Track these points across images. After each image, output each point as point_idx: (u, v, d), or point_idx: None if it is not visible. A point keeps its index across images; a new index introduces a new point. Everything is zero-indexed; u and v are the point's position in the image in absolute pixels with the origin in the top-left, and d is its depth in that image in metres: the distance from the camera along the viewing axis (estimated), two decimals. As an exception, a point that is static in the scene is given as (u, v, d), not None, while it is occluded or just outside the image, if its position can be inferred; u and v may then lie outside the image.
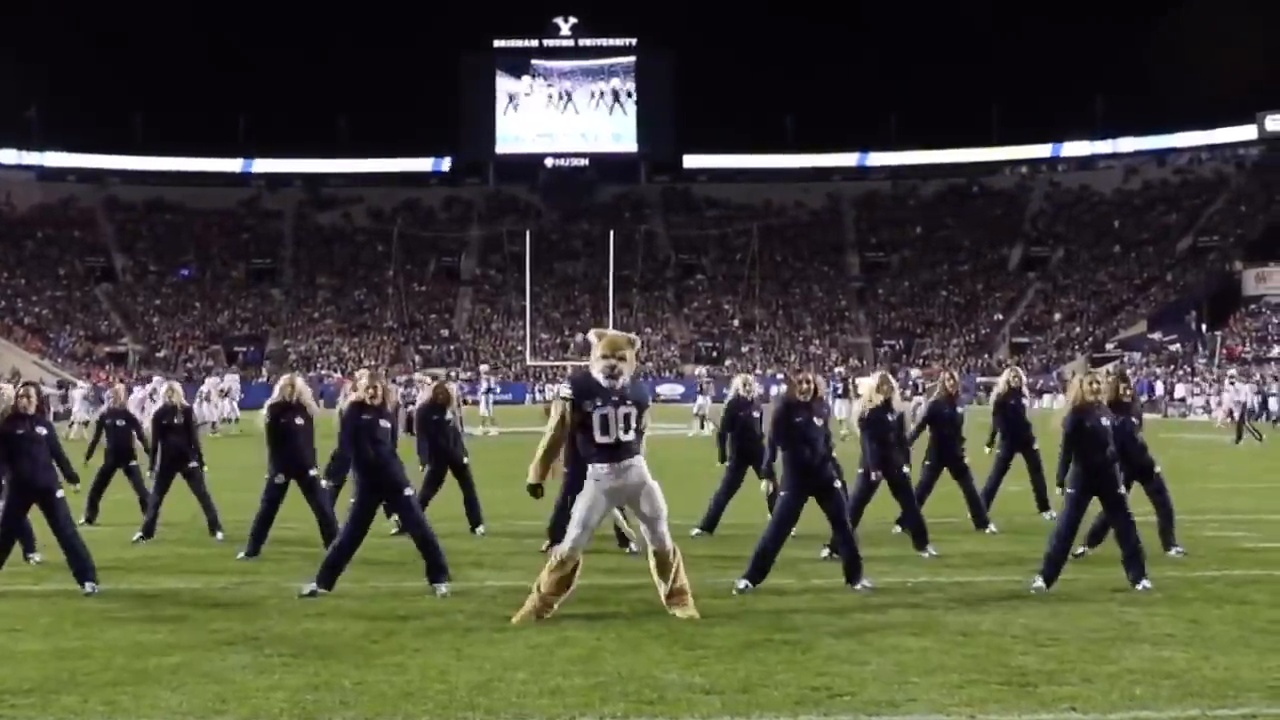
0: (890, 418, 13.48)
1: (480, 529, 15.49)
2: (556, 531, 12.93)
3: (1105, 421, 11.25)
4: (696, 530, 14.91)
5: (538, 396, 72.99)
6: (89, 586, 11.19)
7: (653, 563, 10.13)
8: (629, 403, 9.91)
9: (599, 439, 9.89)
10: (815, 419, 11.47)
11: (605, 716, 7.20)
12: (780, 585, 11.34)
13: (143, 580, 11.78)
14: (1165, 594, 10.81)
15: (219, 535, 14.96)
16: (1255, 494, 20.41)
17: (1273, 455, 30.53)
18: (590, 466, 10.03)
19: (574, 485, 12.81)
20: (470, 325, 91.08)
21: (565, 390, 10.02)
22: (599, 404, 9.85)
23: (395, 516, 12.73)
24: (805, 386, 11.66)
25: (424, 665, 8.38)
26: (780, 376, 60.64)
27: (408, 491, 11.36)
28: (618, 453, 9.90)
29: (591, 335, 10.22)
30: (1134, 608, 10.22)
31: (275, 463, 13.71)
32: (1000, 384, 17.09)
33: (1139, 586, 10.99)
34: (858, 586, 11.15)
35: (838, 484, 11.43)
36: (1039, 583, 11.09)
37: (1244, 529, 15.51)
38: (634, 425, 9.94)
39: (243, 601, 10.89)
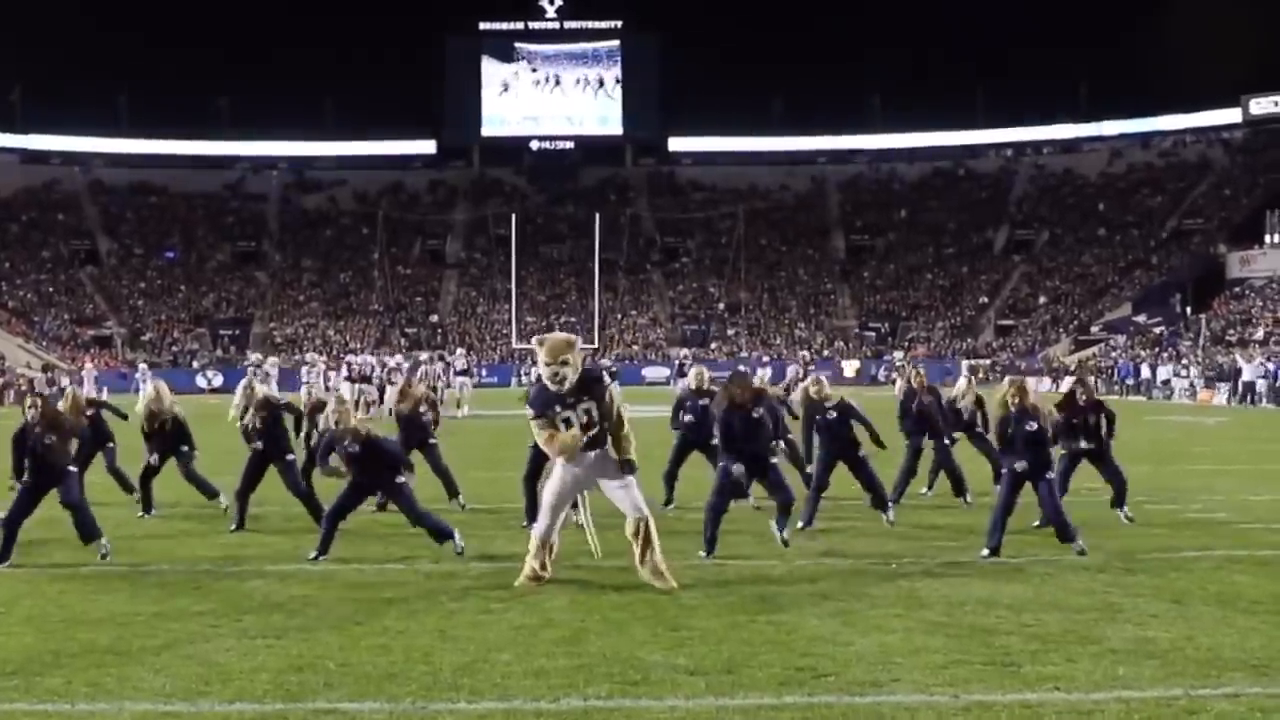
0: (831, 412, 14.25)
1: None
2: (531, 511, 13.14)
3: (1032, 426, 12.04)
4: (671, 507, 15.12)
5: (523, 380, 73.03)
6: (104, 545, 11.82)
7: (629, 529, 10.50)
8: (584, 399, 10.34)
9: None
10: (754, 413, 12.09)
11: (589, 697, 7.20)
12: (764, 566, 11.36)
13: (126, 562, 11.76)
14: (1148, 574, 10.85)
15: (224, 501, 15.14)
16: (1238, 475, 20.46)
17: (1255, 437, 30.61)
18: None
19: (534, 464, 13.52)
20: (455, 308, 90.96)
21: (529, 413, 10.50)
22: (558, 409, 10.34)
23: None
24: (745, 395, 12.21)
25: (408, 646, 8.38)
26: (764, 359, 60.69)
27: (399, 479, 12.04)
28: (586, 446, 10.41)
29: (534, 342, 10.71)
30: (1117, 588, 10.26)
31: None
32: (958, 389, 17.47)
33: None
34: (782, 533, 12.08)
35: (775, 459, 12.32)
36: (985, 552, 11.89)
37: (1226, 510, 15.55)
38: (596, 417, 10.37)
39: (227, 583, 10.88)
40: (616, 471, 10.45)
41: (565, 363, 10.28)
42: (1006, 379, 12.73)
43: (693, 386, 15.81)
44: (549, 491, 10.64)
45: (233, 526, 14.01)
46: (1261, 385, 51.00)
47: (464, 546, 11.85)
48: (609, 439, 10.47)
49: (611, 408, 10.48)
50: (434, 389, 17.07)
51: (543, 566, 10.53)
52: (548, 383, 10.36)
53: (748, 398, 12.20)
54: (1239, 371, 53.54)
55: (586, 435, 10.33)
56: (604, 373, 11.12)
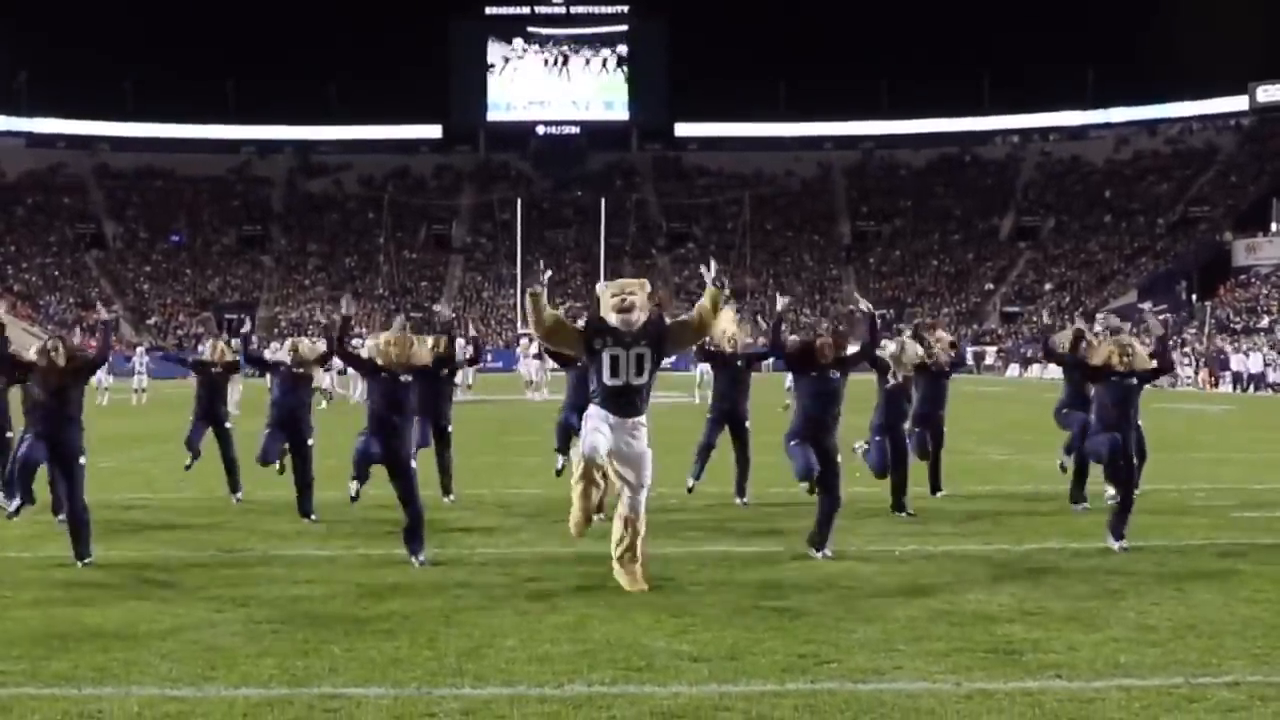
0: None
1: (450, 497, 15.18)
2: (562, 445, 13.00)
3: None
4: (691, 484, 14.59)
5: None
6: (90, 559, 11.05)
7: (617, 525, 9.79)
8: (642, 343, 9.44)
9: (608, 380, 9.45)
10: (831, 374, 11.22)
11: (593, 683, 7.23)
12: (768, 553, 11.38)
13: (133, 548, 11.79)
14: (1150, 562, 10.87)
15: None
16: (1242, 464, 20.47)
17: (1261, 425, 30.61)
18: (592, 406, 9.58)
19: (573, 404, 12.97)
20: (461, 293, 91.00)
21: (580, 321, 9.59)
22: (609, 342, 9.40)
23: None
24: (828, 352, 11.31)
25: (413, 632, 8.40)
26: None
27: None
28: (624, 402, 9.48)
29: (599, 288, 9.70)
30: (1119, 577, 10.27)
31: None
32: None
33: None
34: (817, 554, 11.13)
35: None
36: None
37: (1230, 498, 15.57)
38: (647, 367, 9.47)
39: (232, 569, 10.91)
40: (639, 462, 9.60)
41: (634, 293, 9.42)
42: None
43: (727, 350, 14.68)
44: (588, 426, 9.51)
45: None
46: (1246, 374, 52.08)
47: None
48: (647, 405, 9.62)
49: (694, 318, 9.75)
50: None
51: (587, 499, 9.62)
52: (612, 316, 9.41)
53: (829, 356, 11.23)
54: (1226, 361, 54.33)
55: (627, 380, 9.43)
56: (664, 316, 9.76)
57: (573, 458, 9.90)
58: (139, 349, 45.68)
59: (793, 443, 11.11)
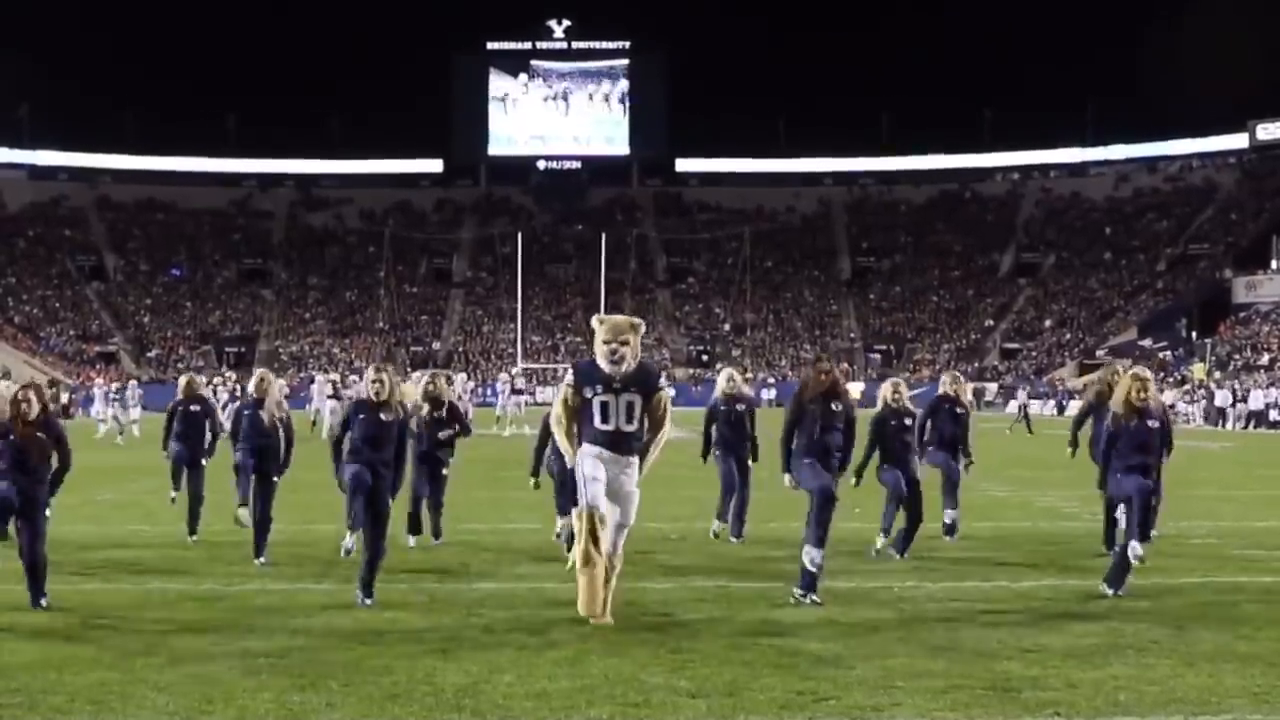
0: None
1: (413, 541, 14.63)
2: (562, 507, 12.85)
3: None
4: (736, 539, 14.53)
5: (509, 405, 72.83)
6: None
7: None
8: (632, 390, 9.59)
9: (599, 425, 9.61)
10: (832, 406, 11.00)
11: (591, 719, 7.21)
12: (766, 589, 11.35)
13: (130, 581, 11.77)
14: (1150, 600, 10.85)
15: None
16: (1242, 501, 20.46)
17: (1260, 463, 30.58)
18: (586, 444, 9.68)
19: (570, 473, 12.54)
20: (461, 328, 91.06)
21: (569, 377, 9.79)
22: (599, 390, 9.57)
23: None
24: (823, 378, 11.06)
25: (411, 667, 8.38)
26: (768, 380, 60.58)
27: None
28: (617, 443, 9.63)
29: (594, 321, 9.86)
30: (1119, 615, 10.25)
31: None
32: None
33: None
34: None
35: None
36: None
37: (1230, 536, 15.55)
38: (637, 415, 9.63)
39: (230, 602, 10.89)
40: (627, 500, 9.75)
41: (626, 343, 9.54)
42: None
43: (724, 390, 14.60)
44: (584, 468, 9.60)
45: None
46: (1241, 409, 52.58)
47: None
48: (641, 451, 9.71)
49: (659, 411, 9.74)
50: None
51: (593, 556, 9.46)
52: (602, 361, 9.57)
53: (825, 386, 11.01)
54: (1212, 395, 54.74)
55: (614, 427, 9.55)
56: (662, 373, 10.19)
57: (574, 512, 9.81)
58: (132, 382, 45.78)
59: (806, 460, 10.90)
